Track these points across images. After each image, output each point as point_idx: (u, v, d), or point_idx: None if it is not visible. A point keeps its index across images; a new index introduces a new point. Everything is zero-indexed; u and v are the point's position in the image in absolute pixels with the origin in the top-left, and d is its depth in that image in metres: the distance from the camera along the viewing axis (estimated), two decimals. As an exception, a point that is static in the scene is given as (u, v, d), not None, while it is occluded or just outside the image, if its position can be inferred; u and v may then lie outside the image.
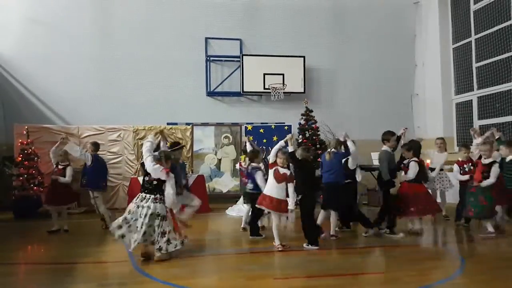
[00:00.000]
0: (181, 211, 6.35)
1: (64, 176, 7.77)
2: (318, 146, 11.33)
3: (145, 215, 5.42)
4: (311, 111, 11.86)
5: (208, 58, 12.73)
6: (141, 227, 5.38)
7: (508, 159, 7.23)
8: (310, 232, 6.23)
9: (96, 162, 8.19)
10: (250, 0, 13.03)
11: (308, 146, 8.49)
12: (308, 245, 6.15)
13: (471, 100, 12.18)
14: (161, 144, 6.35)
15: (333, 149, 7.04)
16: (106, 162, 11.06)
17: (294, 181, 6.11)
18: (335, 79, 13.43)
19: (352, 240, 6.93)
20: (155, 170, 5.47)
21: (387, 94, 13.43)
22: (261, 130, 12.16)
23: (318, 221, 6.84)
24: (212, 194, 11.73)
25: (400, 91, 13.59)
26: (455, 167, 7.79)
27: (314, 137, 11.58)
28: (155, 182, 5.55)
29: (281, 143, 6.25)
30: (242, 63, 12.52)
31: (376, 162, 11.30)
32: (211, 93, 12.72)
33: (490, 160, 6.98)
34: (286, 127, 12.17)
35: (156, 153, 5.73)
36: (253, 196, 6.87)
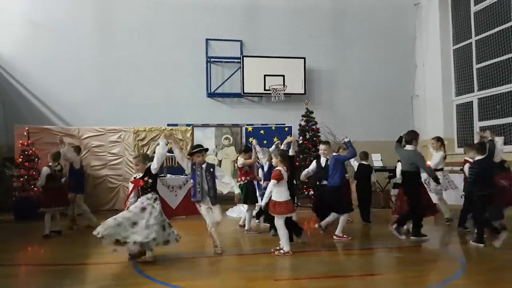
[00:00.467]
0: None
1: (61, 178, 7.74)
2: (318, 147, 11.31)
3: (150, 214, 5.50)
4: (312, 112, 11.86)
5: (208, 59, 12.74)
6: (147, 228, 5.41)
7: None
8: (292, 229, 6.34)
9: (80, 166, 8.19)
10: (251, 1, 13.04)
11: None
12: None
13: (472, 101, 12.18)
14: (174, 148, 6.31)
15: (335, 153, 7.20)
16: (106, 163, 11.26)
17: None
18: (336, 80, 13.44)
19: (353, 242, 6.92)
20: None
21: (388, 95, 13.44)
22: (262, 131, 12.17)
23: (324, 222, 6.86)
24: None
25: (400, 92, 13.60)
26: (466, 166, 7.72)
27: (314, 138, 11.58)
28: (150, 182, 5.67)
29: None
30: (243, 64, 12.53)
31: (376, 164, 11.33)
32: (211, 94, 12.73)
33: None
34: (286, 128, 12.18)
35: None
36: None
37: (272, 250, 5.97)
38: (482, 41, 11.83)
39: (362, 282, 4.82)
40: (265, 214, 7.15)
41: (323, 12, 13.41)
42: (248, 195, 7.62)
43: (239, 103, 13.02)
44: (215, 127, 12.41)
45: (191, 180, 6.19)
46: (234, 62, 12.79)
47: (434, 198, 8.07)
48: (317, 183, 7.61)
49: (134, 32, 12.41)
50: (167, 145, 5.95)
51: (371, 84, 13.46)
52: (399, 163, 7.57)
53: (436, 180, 7.19)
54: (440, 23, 12.96)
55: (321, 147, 7.36)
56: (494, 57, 11.34)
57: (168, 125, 11.99)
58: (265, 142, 11.32)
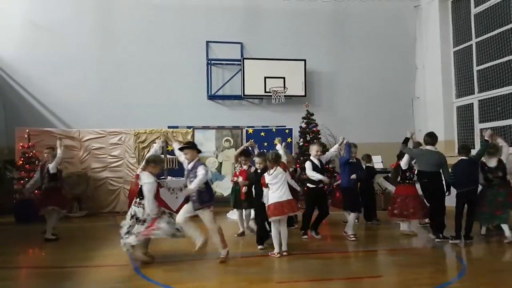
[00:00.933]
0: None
1: (57, 180, 7.66)
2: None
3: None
4: (312, 114, 11.86)
5: (209, 61, 12.75)
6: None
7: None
8: (258, 233, 6.46)
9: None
10: (251, 3, 13.06)
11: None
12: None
13: (472, 103, 12.17)
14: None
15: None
16: (107, 165, 11.26)
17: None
18: (336, 82, 13.44)
19: (354, 244, 6.91)
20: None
21: (388, 97, 13.44)
22: (262, 134, 12.16)
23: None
24: (213, 197, 11.70)
25: (401, 94, 13.60)
26: None
27: (315, 140, 11.57)
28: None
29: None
30: (243, 66, 12.54)
31: (377, 165, 11.32)
32: (212, 97, 12.74)
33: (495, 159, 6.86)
34: (287, 130, 12.18)
35: None
36: None
37: (269, 253, 5.98)
38: (482, 43, 11.83)
39: (364, 285, 4.81)
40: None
41: (324, 14, 13.42)
42: (236, 199, 7.50)
43: (240, 105, 13.03)
44: (216, 129, 12.41)
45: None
46: (234, 64, 12.80)
47: None
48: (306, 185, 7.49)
49: (134, 35, 12.43)
50: (167, 147, 5.94)
51: (372, 86, 13.46)
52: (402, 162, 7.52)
53: (449, 187, 7.15)
54: (440, 25, 12.95)
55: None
56: (494, 59, 11.34)
57: (169, 127, 11.99)
58: (265, 144, 11.32)
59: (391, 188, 9.11)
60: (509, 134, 10.67)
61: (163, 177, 9.89)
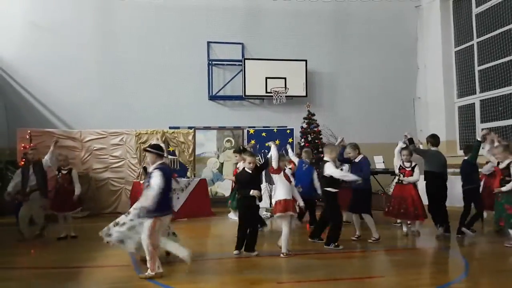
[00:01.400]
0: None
1: (71, 182, 7.64)
2: (320, 149, 11.30)
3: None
4: (313, 114, 11.85)
5: (210, 62, 12.75)
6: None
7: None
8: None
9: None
10: (252, 4, 13.06)
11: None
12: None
13: (474, 103, 12.16)
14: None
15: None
16: (108, 166, 11.27)
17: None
18: (337, 82, 13.44)
19: (355, 244, 6.90)
20: None
21: (389, 97, 13.43)
22: (263, 134, 12.16)
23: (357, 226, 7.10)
24: (214, 198, 11.70)
25: (402, 94, 13.59)
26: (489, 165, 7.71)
27: (316, 141, 11.57)
28: None
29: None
30: (244, 67, 12.54)
31: (378, 166, 11.30)
32: (213, 97, 12.74)
33: (506, 162, 6.51)
34: (288, 131, 12.18)
35: None
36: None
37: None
38: (484, 43, 11.82)
39: (365, 285, 4.81)
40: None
41: (325, 14, 13.41)
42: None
43: (241, 106, 13.03)
44: (217, 130, 12.41)
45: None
46: (235, 64, 12.80)
47: None
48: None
49: (135, 35, 12.44)
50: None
51: (373, 86, 13.45)
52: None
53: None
54: (442, 25, 12.95)
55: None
56: (496, 59, 11.33)
57: (170, 127, 12.00)
58: (266, 144, 11.31)
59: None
60: (511, 133, 10.65)
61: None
